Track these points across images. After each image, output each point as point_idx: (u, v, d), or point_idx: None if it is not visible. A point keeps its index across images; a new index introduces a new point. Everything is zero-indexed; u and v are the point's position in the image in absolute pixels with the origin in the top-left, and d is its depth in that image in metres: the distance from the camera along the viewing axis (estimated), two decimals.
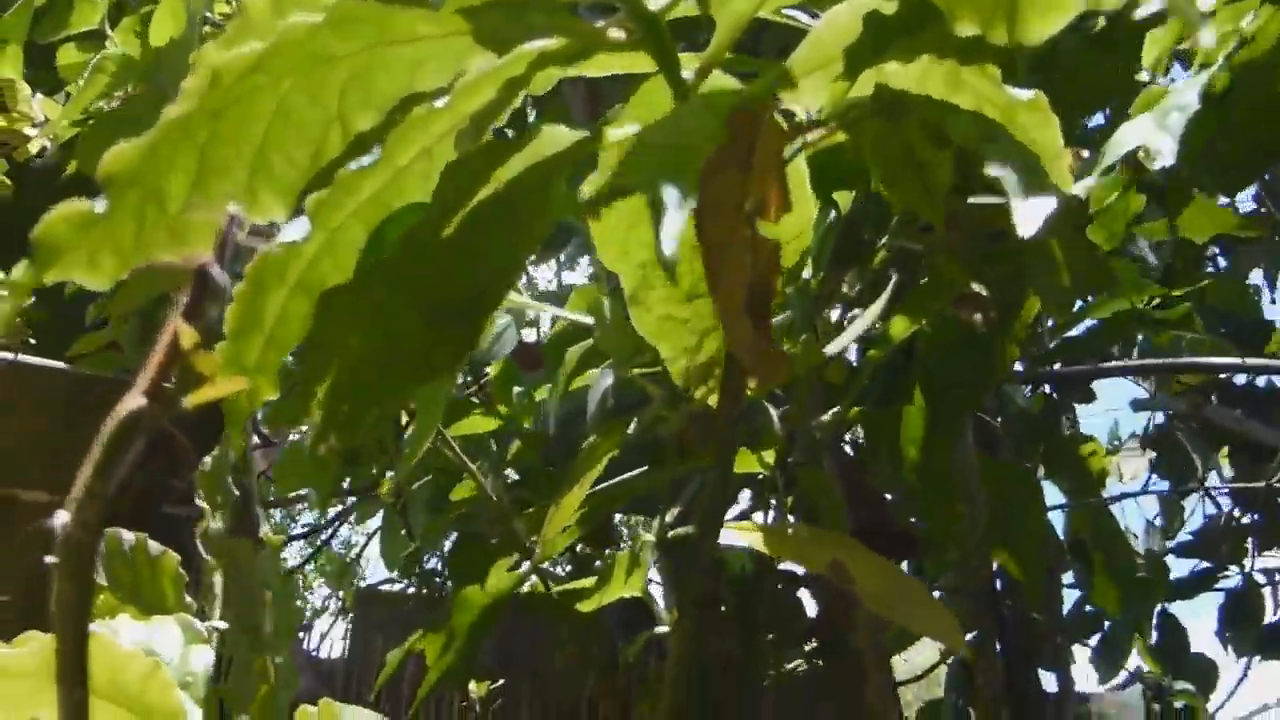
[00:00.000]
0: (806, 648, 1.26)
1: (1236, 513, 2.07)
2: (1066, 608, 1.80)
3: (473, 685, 1.38)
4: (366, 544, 3.85)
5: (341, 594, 4.61)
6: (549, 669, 1.76)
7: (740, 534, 0.69)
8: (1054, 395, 1.61)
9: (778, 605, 1.06)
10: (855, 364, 0.89)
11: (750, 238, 0.56)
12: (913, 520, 0.99)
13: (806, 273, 0.75)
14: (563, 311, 0.81)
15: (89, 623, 0.32)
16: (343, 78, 0.50)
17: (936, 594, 1.29)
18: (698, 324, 0.66)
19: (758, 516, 0.89)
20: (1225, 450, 2.00)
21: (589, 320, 0.72)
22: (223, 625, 0.60)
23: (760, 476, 0.79)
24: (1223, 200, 1.16)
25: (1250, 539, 1.99)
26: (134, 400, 0.34)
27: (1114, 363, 1.63)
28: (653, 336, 0.63)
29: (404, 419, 1.08)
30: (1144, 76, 0.72)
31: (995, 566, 1.20)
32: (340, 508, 2.43)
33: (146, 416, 0.33)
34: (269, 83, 0.48)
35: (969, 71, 0.47)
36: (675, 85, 0.53)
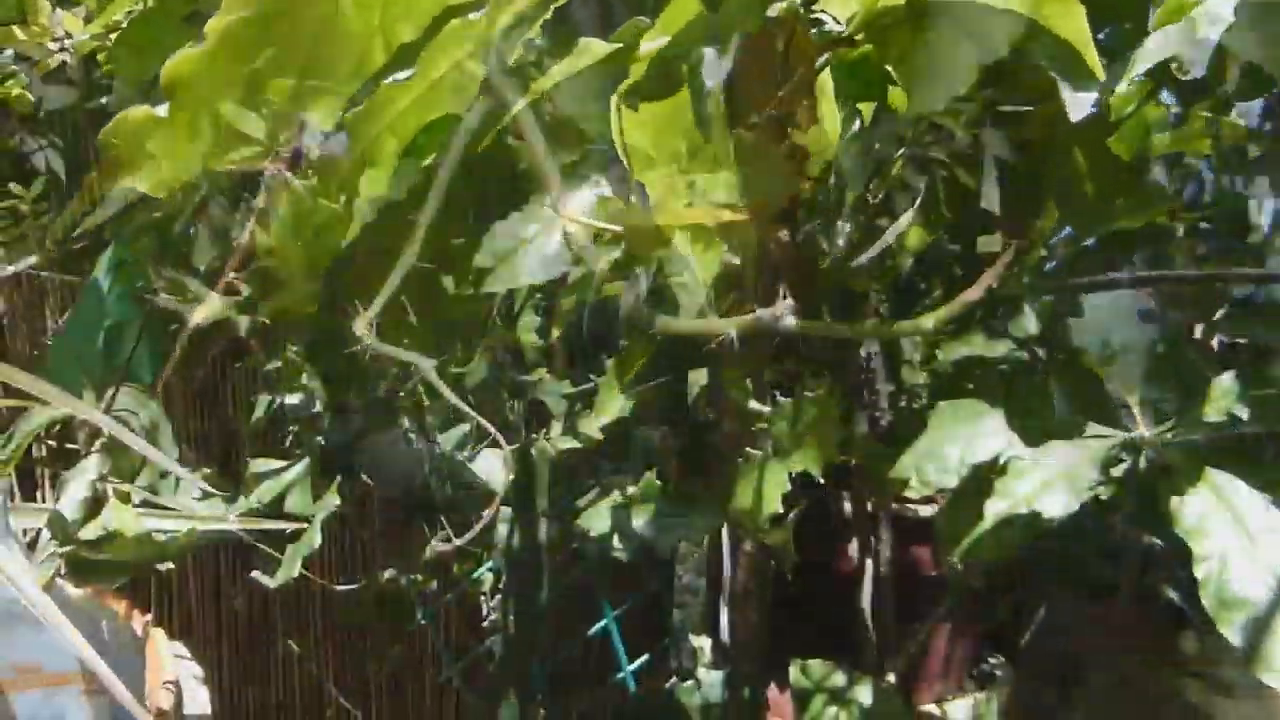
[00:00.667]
0: None
1: None
2: None
3: None
4: None
5: None
6: None
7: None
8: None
9: None
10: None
11: (782, 146, 0.57)
12: None
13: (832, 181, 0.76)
14: (594, 221, 0.82)
15: None
16: None
17: None
18: (722, 232, 0.68)
19: None
20: None
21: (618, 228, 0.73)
22: None
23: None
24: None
25: None
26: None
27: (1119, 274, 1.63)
28: (679, 243, 0.65)
29: None
30: None
31: None
32: None
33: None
34: None
35: None
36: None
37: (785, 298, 0.51)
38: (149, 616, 0.94)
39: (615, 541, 0.82)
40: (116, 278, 0.92)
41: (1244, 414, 0.72)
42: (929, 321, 0.47)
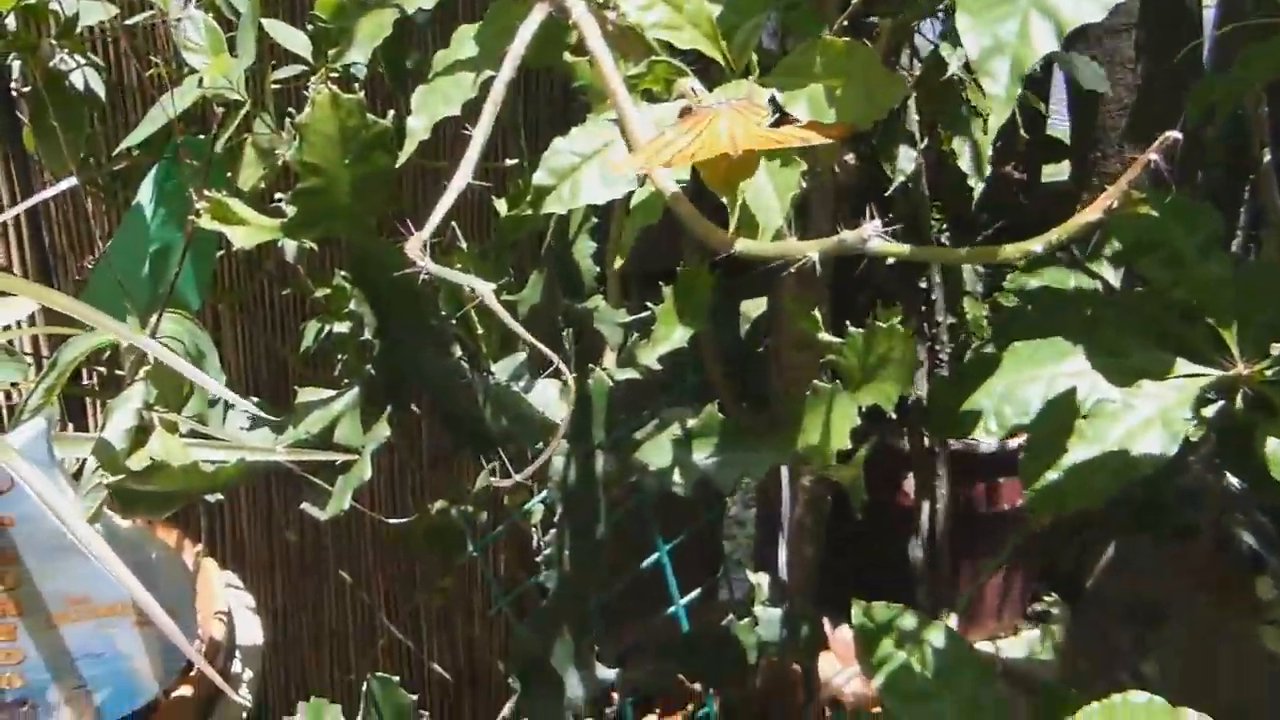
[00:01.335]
0: None
1: None
2: None
3: None
4: None
5: None
6: None
7: None
8: None
9: None
10: None
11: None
12: None
13: None
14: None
15: None
16: None
17: None
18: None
19: None
20: None
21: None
22: None
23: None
24: None
25: None
26: None
27: None
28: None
29: None
30: None
31: None
32: None
33: None
34: None
35: None
36: None
37: (872, 218, 0.47)
38: (200, 547, 0.92)
39: (675, 476, 0.79)
40: (161, 200, 0.89)
41: None
42: (1038, 244, 0.43)
